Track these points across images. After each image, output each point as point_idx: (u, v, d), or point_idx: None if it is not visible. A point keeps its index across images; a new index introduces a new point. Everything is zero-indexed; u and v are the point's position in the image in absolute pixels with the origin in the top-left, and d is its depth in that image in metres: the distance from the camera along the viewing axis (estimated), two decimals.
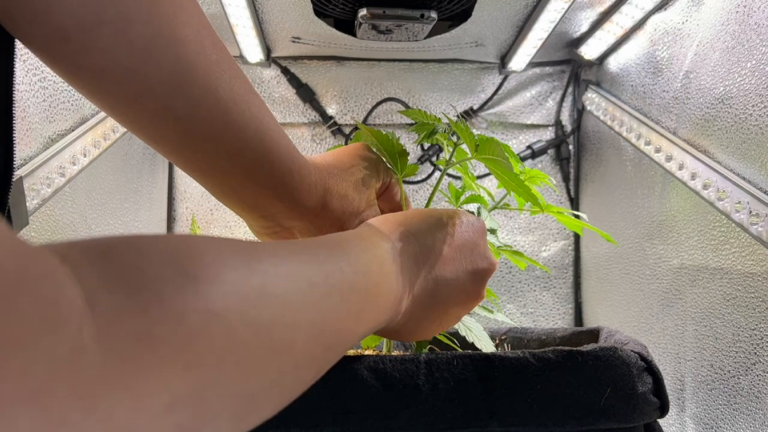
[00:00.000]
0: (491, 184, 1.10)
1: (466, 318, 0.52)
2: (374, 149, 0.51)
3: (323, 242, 0.31)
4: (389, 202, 0.51)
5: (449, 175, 1.11)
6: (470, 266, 0.42)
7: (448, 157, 0.50)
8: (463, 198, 0.56)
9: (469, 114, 1.10)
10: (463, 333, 0.51)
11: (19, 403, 0.14)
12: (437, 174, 1.11)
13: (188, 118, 0.36)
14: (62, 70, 0.35)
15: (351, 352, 0.64)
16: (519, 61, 1.03)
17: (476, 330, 0.52)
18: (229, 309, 0.21)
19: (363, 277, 0.31)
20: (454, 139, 0.50)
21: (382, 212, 0.51)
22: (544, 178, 0.56)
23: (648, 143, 0.83)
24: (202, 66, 0.36)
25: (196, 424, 0.20)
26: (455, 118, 1.09)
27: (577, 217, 0.57)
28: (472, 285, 0.42)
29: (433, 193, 0.53)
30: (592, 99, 1.03)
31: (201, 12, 0.37)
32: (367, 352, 0.63)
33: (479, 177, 1.10)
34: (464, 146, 0.47)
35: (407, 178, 1.11)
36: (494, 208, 0.55)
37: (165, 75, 0.35)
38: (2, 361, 0.13)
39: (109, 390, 0.16)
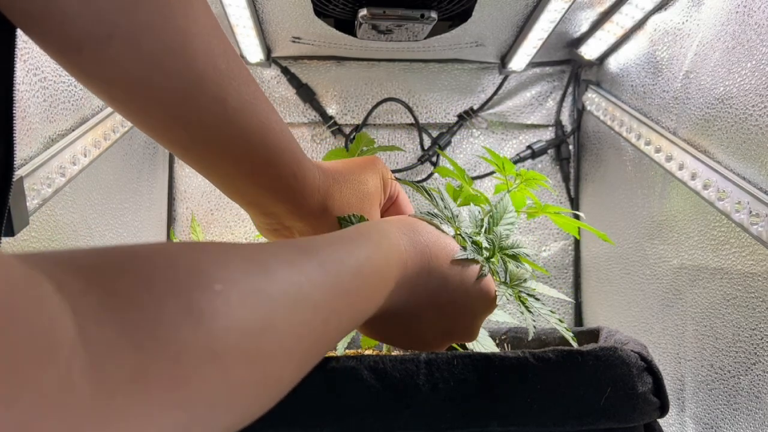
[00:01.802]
0: (489, 186, 1.10)
1: None
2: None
3: (330, 243, 0.31)
4: (397, 214, 0.52)
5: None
6: (447, 327, 0.43)
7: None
8: (460, 200, 0.56)
9: (469, 114, 1.10)
10: None
11: None
12: (437, 174, 1.11)
13: (196, 125, 0.37)
14: (76, 76, 0.36)
15: (351, 352, 0.64)
16: (519, 61, 1.03)
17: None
18: (229, 346, 0.20)
19: (362, 281, 0.31)
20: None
21: None
22: (541, 180, 0.56)
23: (648, 143, 0.83)
24: (212, 76, 0.36)
25: None
26: (455, 118, 1.09)
27: (576, 217, 0.57)
28: (436, 340, 0.43)
29: None
30: (592, 99, 1.03)
31: (214, 22, 0.38)
32: (367, 352, 0.63)
33: (480, 177, 1.11)
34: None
35: (407, 179, 1.11)
36: (491, 212, 0.55)
37: (174, 86, 0.35)
38: None
39: (95, 427, 0.16)
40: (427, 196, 0.46)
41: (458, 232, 0.45)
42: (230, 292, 0.21)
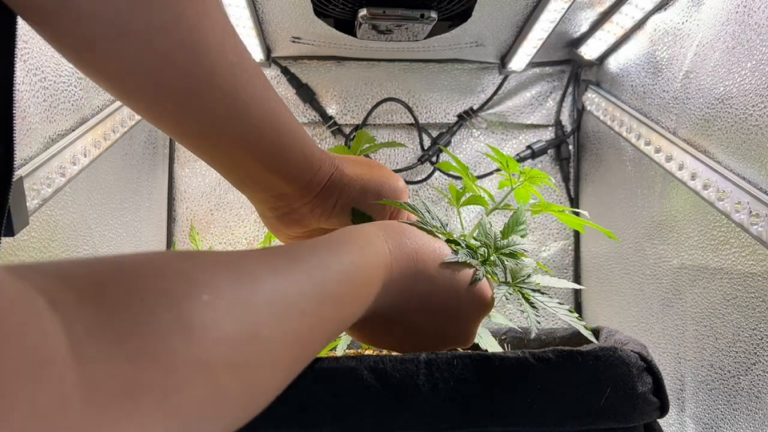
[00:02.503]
0: (492, 184, 1.10)
1: None
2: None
3: (314, 250, 0.31)
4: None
5: (449, 176, 1.11)
6: (440, 332, 0.43)
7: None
8: (463, 199, 0.56)
9: (469, 114, 1.10)
10: None
11: None
12: (437, 174, 1.11)
13: (208, 117, 0.38)
14: (88, 72, 0.36)
15: (351, 352, 0.64)
16: (519, 61, 1.03)
17: (480, 329, 0.52)
18: (218, 357, 0.21)
19: (348, 286, 0.32)
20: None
21: None
22: (545, 178, 0.56)
23: (648, 143, 0.83)
24: (223, 70, 0.37)
25: None
26: (455, 118, 1.09)
27: (578, 215, 0.57)
28: (429, 344, 0.43)
29: None
30: (592, 99, 1.03)
31: (225, 16, 0.38)
32: (367, 352, 0.63)
33: (480, 177, 1.11)
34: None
35: (408, 179, 1.11)
36: (495, 209, 0.55)
37: (187, 80, 0.36)
38: None
39: None
40: (412, 210, 0.46)
41: (450, 238, 0.45)
42: (218, 303, 0.21)
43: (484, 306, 0.44)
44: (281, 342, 0.25)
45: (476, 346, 0.54)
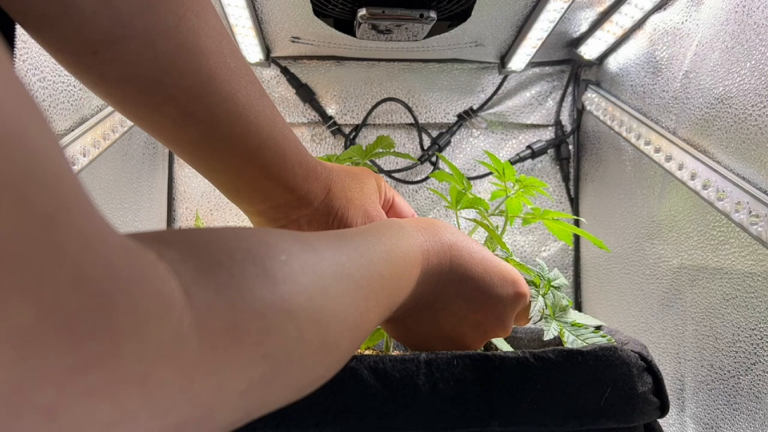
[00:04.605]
0: (489, 186, 1.10)
1: None
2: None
3: (358, 233, 0.33)
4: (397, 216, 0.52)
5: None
6: (478, 319, 0.44)
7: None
8: (461, 203, 0.56)
9: (468, 114, 1.10)
10: None
11: (132, 383, 0.15)
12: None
13: (208, 122, 0.38)
14: (87, 80, 0.36)
15: None
16: (519, 60, 1.03)
17: None
18: (299, 307, 0.23)
19: (392, 266, 0.34)
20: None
21: None
22: (539, 186, 0.56)
23: (648, 143, 0.83)
24: (222, 75, 0.37)
25: (259, 409, 0.23)
26: (455, 118, 1.09)
27: (576, 222, 0.57)
28: (468, 333, 0.44)
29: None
30: (592, 99, 1.03)
31: (221, 23, 0.39)
32: (367, 352, 0.63)
33: (480, 177, 1.11)
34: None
35: (407, 179, 1.11)
36: (490, 215, 0.55)
37: (187, 84, 0.36)
38: (120, 345, 0.15)
39: (201, 374, 0.18)
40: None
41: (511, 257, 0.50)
42: (293, 262, 0.24)
43: (520, 295, 0.45)
44: (344, 303, 0.27)
45: (488, 346, 0.55)
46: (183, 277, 0.19)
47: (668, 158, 0.77)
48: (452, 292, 0.42)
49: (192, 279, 0.19)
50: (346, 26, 0.89)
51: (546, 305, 0.50)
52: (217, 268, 0.20)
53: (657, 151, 0.80)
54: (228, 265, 0.21)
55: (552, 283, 0.53)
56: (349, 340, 0.28)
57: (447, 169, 1.05)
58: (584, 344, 0.49)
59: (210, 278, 0.20)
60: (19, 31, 0.34)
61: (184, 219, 1.08)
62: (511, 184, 0.56)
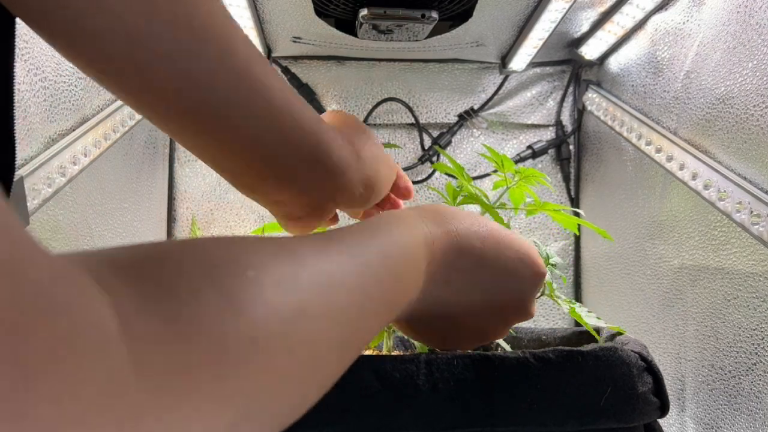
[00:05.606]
0: (489, 186, 1.10)
1: None
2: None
3: (352, 232, 0.30)
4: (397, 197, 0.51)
5: (449, 176, 1.11)
6: (498, 306, 0.41)
7: None
8: (460, 198, 0.56)
9: (469, 114, 1.10)
10: None
11: (60, 428, 0.13)
12: (437, 174, 1.11)
13: (207, 84, 0.34)
14: (98, 73, 0.33)
15: None
16: (519, 61, 1.03)
17: None
18: (270, 333, 0.20)
19: (391, 266, 0.31)
20: None
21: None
22: (540, 177, 0.56)
23: (649, 143, 0.83)
24: (216, 24, 0.34)
25: None
26: (455, 118, 1.09)
27: (576, 214, 0.57)
28: (490, 322, 0.41)
29: None
30: (593, 99, 1.03)
31: (227, 11, 0.36)
32: (367, 352, 0.63)
33: (480, 177, 1.10)
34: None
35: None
36: (490, 208, 0.55)
37: (178, 36, 0.33)
38: (43, 384, 0.13)
39: (143, 420, 0.16)
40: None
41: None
42: (263, 279, 0.21)
43: (539, 275, 0.41)
44: (330, 319, 0.24)
45: (488, 346, 0.55)
46: (123, 305, 0.16)
47: (669, 158, 0.77)
48: (465, 283, 0.38)
49: (135, 307, 0.16)
50: (348, 26, 0.89)
51: (545, 282, 0.50)
52: (167, 294, 0.18)
53: (658, 151, 0.80)
54: (180, 289, 0.18)
55: (549, 261, 0.53)
56: (338, 358, 0.26)
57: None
58: (598, 321, 0.53)
59: (157, 305, 0.17)
60: (20, 32, 0.34)
61: (184, 219, 1.08)
62: (511, 175, 0.56)
